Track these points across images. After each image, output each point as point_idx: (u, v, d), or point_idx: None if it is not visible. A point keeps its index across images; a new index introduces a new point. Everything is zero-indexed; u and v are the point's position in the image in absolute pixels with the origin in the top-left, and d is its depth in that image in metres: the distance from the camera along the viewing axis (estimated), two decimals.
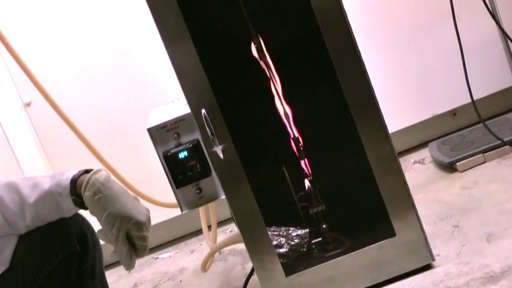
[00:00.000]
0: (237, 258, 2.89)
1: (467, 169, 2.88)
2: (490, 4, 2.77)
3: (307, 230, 2.43)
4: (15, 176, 1.93)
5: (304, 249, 2.41)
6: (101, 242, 1.85)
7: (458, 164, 2.89)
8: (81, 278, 1.85)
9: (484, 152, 2.88)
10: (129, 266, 1.80)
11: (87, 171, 1.81)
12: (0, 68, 3.05)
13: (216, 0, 2.29)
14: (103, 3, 3.06)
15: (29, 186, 1.80)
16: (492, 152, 2.87)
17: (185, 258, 3.10)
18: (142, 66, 3.05)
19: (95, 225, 1.83)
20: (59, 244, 1.82)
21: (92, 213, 1.78)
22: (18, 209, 1.79)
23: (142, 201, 1.96)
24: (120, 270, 3.06)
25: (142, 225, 1.78)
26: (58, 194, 1.78)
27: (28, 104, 3.12)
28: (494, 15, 2.77)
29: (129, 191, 1.86)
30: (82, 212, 1.85)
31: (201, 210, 2.75)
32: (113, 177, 1.88)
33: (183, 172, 2.25)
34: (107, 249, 1.82)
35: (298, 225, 2.43)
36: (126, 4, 2.87)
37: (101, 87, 3.10)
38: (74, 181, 1.79)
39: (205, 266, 2.72)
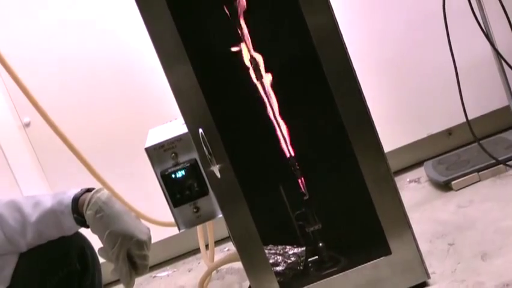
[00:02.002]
0: (235, 276, 2.89)
1: (463, 188, 2.89)
2: (484, 26, 2.79)
3: (303, 248, 2.43)
4: (14, 195, 1.95)
5: (301, 268, 2.42)
6: (101, 260, 1.85)
7: (453, 182, 2.91)
8: None
9: (479, 170, 2.89)
10: (129, 285, 1.81)
11: (89, 190, 1.81)
12: None
13: (213, 23, 2.31)
14: (100, 24, 3.07)
15: (31, 205, 1.81)
16: (487, 170, 2.88)
17: (183, 276, 3.10)
18: (140, 86, 3.06)
19: (95, 243, 1.84)
20: (59, 262, 1.82)
21: (94, 231, 1.78)
22: (20, 227, 1.79)
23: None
24: None
25: (143, 244, 1.79)
26: (60, 213, 1.79)
27: (27, 124, 3.13)
28: (488, 37, 2.79)
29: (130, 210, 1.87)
30: (82, 230, 1.86)
31: (199, 229, 2.77)
32: None
33: (181, 191, 2.25)
34: (107, 267, 1.82)
35: (295, 243, 2.44)
36: (124, 25, 2.89)
37: (99, 107, 3.11)
38: (76, 200, 1.79)
39: (202, 285, 2.73)
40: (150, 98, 2.98)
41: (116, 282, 2.95)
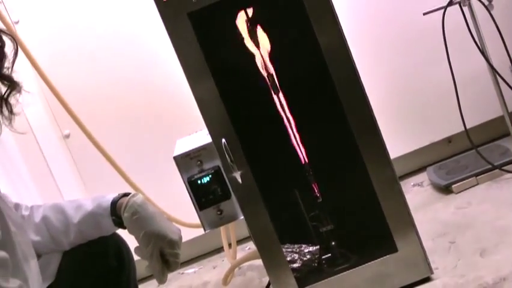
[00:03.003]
0: (255, 273, 2.89)
1: (462, 191, 2.88)
2: (480, 43, 2.79)
3: (317, 246, 2.44)
4: (56, 200, 1.96)
5: (315, 264, 2.42)
6: (136, 258, 1.85)
7: (453, 186, 2.90)
8: None
9: (476, 175, 2.89)
10: (162, 280, 1.80)
11: (125, 195, 1.82)
12: (41, 103, 3.06)
13: (234, 42, 2.30)
14: (134, 43, 3.09)
15: (73, 208, 1.82)
16: (484, 175, 2.88)
17: (208, 273, 3.11)
18: (169, 100, 3.07)
19: (131, 243, 1.85)
20: (98, 260, 1.83)
21: (130, 232, 1.79)
22: (64, 227, 1.80)
23: None
24: (150, 284, 3.05)
25: (174, 243, 1.78)
26: (99, 215, 1.80)
27: (67, 136, 3.14)
28: (483, 53, 2.79)
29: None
30: (119, 231, 1.87)
31: (222, 229, 2.77)
32: None
33: (206, 195, 2.27)
34: (141, 264, 1.82)
35: (310, 242, 2.45)
36: (155, 44, 2.90)
37: (132, 119, 3.12)
38: (114, 203, 1.80)
39: (226, 280, 2.75)
40: (178, 111, 2.99)
41: (150, 278, 2.97)
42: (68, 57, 3.10)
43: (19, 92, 1.49)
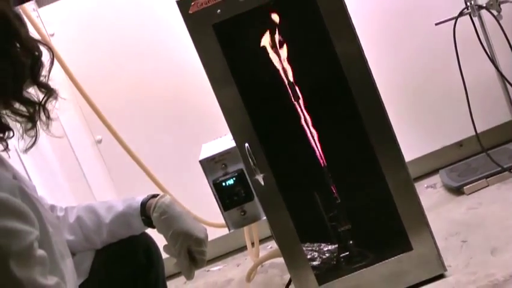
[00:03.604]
0: (276, 270, 2.88)
1: (473, 192, 2.86)
2: (489, 51, 2.78)
3: (336, 245, 2.43)
4: (89, 201, 1.96)
5: (334, 262, 2.41)
6: (164, 256, 1.85)
7: (465, 187, 2.88)
8: (147, 287, 1.86)
9: (487, 177, 2.87)
10: (189, 277, 1.80)
11: (154, 196, 1.82)
12: (75, 110, 3.08)
13: (255, 52, 2.31)
14: (161, 52, 3.10)
15: (105, 208, 1.82)
16: (494, 177, 2.86)
17: (232, 270, 3.11)
18: (195, 107, 3.06)
19: (160, 241, 1.85)
20: (129, 257, 1.83)
21: (159, 231, 1.79)
22: (96, 227, 1.81)
23: None
24: (178, 281, 3.07)
25: (201, 241, 1.78)
26: (130, 215, 1.80)
27: (99, 141, 3.15)
28: (493, 60, 2.78)
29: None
30: (148, 230, 1.87)
31: (245, 229, 2.77)
32: None
33: (230, 197, 2.27)
34: (170, 262, 1.83)
35: (329, 241, 2.44)
36: (183, 54, 2.89)
37: (160, 125, 3.13)
38: (143, 204, 1.81)
39: (249, 277, 2.74)
40: (203, 117, 2.99)
41: (178, 274, 2.98)
42: (99, 67, 3.12)
43: (55, 98, 1.49)
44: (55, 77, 1.52)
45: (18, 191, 1.35)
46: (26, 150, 1.51)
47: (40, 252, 1.32)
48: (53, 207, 1.84)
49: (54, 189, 2.84)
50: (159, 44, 3.08)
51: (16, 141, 1.50)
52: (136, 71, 3.12)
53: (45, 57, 1.48)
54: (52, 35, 3.05)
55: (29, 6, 2.85)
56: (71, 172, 3.07)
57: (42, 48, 1.47)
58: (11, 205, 1.28)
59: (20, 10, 2.70)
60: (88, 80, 2.98)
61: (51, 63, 1.50)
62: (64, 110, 1.67)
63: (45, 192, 2.61)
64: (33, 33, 2.65)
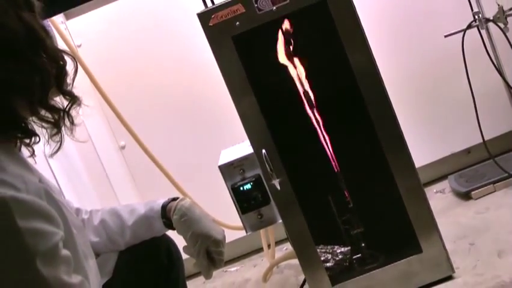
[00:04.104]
0: (291, 271, 2.87)
1: (480, 197, 2.84)
2: (496, 61, 2.77)
3: (349, 247, 2.42)
4: (113, 204, 1.97)
5: (347, 264, 2.40)
6: (184, 256, 1.86)
7: (472, 193, 2.86)
8: (168, 287, 1.86)
9: (494, 183, 2.85)
10: (208, 276, 1.81)
11: (174, 199, 1.83)
12: (100, 116, 3.08)
13: (272, 63, 2.30)
14: (183, 63, 3.09)
15: (127, 211, 1.83)
16: (501, 183, 2.84)
17: (249, 271, 3.10)
18: (215, 115, 3.06)
19: (180, 242, 1.85)
20: (151, 258, 1.83)
21: (179, 232, 1.80)
22: (119, 229, 1.81)
23: None
24: (197, 280, 3.07)
25: (219, 242, 1.79)
26: (151, 218, 1.81)
27: (123, 147, 3.16)
28: (500, 70, 2.77)
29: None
30: (168, 232, 1.87)
31: (262, 232, 2.76)
32: None
33: (247, 201, 2.27)
34: (189, 262, 1.83)
35: (342, 243, 2.43)
36: (204, 64, 2.88)
37: (181, 132, 3.12)
38: (164, 207, 1.81)
39: (265, 278, 2.75)
40: (222, 124, 2.99)
41: (197, 274, 2.99)
42: (123, 76, 3.12)
43: (79, 105, 1.50)
44: (81, 85, 1.53)
45: (44, 194, 1.36)
46: (52, 155, 1.52)
47: (65, 252, 1.33)
48: (78, 211, 1.85)
49: (80, 193, 2.85)
50: (180, 54, 3.08)
51: (43, 147, 1.51)
52: (158, 81, 3.12)
53: (70, 66, 1.49)
54: (79, 45, 3.06)
55: (57, 19, 2.86)
56: (96, 176, 3.08)
57: (67, 58, 1.48)
58: (37, 207, 1.28)
59: (50, 22, 2.72)
60: (112, 89, 2.98)
61: (75, 72, 1.52)
62: (88, 116, 1.68)
63: (72, 196, 2.63)
64: (61, 44, 2.69)
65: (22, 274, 1.24)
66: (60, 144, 1.49)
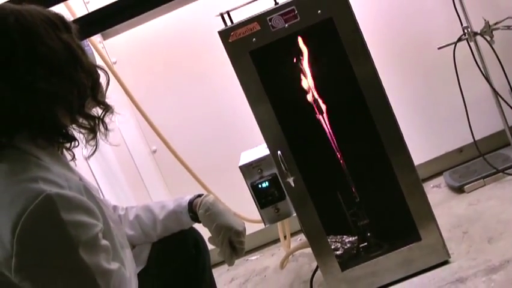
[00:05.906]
0: (305, 259, 2.87)
1: (472, 191, 2.82)
2: (484, 70, 2.76)
3: (356, 237, 2.41)
4: (146, 201, 1.97)
5: (354, 251, 2.40)
6: (209, 247, 1.86)
7: (465, 187, 2.84)
8: (196, 274, 1.84)
9: (484, 178, 2.83)
10: (230, 263, 1.82)
11: (199, 196, 1.84)
12: (133, 124, 3.08)
13: (286, 73, 2.32)
14: (206, 74, 3.08)
15: (158, 207, 1.84)
16: (490, 178, 2.82)
17: (267, 259, 3.09)
18: (235, 122, 3.06)
19: (205, 234, 1.85)
20: (180, 248, 1.83)
21: (204, 225, 1.80)
22: (152, 223, 1.82)
23: None
24: (221, 268, 3.07)
25: (240, 233, 1.79)
26: (180, 212, 1.81)
27: (154, 151, 3.16)
28: (487, 78, 2.76)
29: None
30: (195, 224, 1.87)
31: (279, 224, 2.76)
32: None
33: (265, 197, 2.27)
34: (213, 252, 1.84)
35: (350, 234, 2.42)
36: (224, 77, 2.86)
37: (207, 136, 3.12)
38: (190, 203, 1.82)
39: (282, 265, 2.76)
40: (242, 129, 2.98)
41: (221, 262, 2.98)
42: (154, 88, 3.12)
43: (112, 113, 1.53)
44: (117, 97, 1.54)
45: (84, 190, 1.38)
46: (89, 157, 1.55)
47: (104, 242, 1.35)
48: (115, 207, 1.86)
49: (118, 192, 2.86)
50: (204, 68, 3.08)
51: (83, 151, 1.53)
52: (184, 91, 3.12)
53: (104, 80, 1.53)
54: (115, 62, 3.07)
55: (96, 39, 2.87)
56: (131, 177, 3.08)
57: (100, 72, 1.51)
58: (79, 202, 1.31)
59: (88, 42, 2.73)
60: (145, 100, 2.99)
61: (107, 84, 1.55)
62: (123, 123, 1.70)
63: (110, 194, 2.63)
64: (98, 61, 2.69)
65: (66, 261, 1.27)
66: (96, 148, 1.51)
